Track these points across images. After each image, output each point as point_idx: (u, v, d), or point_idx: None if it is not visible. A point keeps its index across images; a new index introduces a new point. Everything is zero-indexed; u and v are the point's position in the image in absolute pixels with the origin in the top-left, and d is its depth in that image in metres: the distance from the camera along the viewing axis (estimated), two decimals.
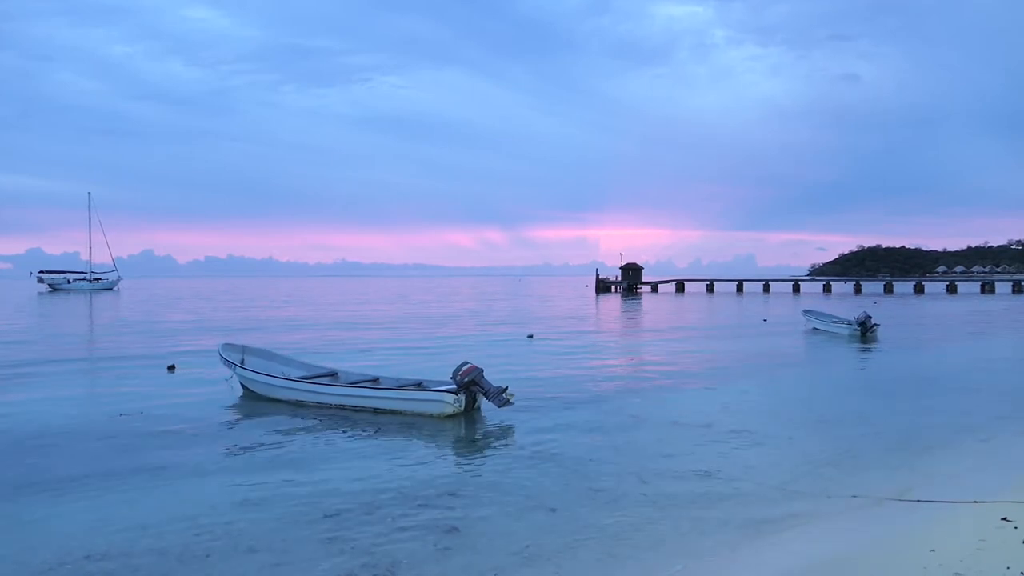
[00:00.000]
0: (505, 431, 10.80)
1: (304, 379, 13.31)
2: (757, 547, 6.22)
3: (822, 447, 9.93)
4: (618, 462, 9.06)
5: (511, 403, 11.54)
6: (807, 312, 33.20)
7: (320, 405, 12.42)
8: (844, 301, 60.76)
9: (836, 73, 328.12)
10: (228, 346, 14.77)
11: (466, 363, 11.77)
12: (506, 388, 11.62)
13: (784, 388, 15.73)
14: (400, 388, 12.42)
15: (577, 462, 8.98)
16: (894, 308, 51.65)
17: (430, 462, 9.22)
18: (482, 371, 11.65)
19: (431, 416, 11.51)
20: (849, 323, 28.14)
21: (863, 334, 26.35)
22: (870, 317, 27.16)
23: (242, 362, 14.05)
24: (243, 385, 13.80)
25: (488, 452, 9.76)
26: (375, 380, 13.30)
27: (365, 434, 10.63)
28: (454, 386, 11.64)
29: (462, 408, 11.55)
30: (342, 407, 12.21)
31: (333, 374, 13.97)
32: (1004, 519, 6.23)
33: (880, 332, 26.95)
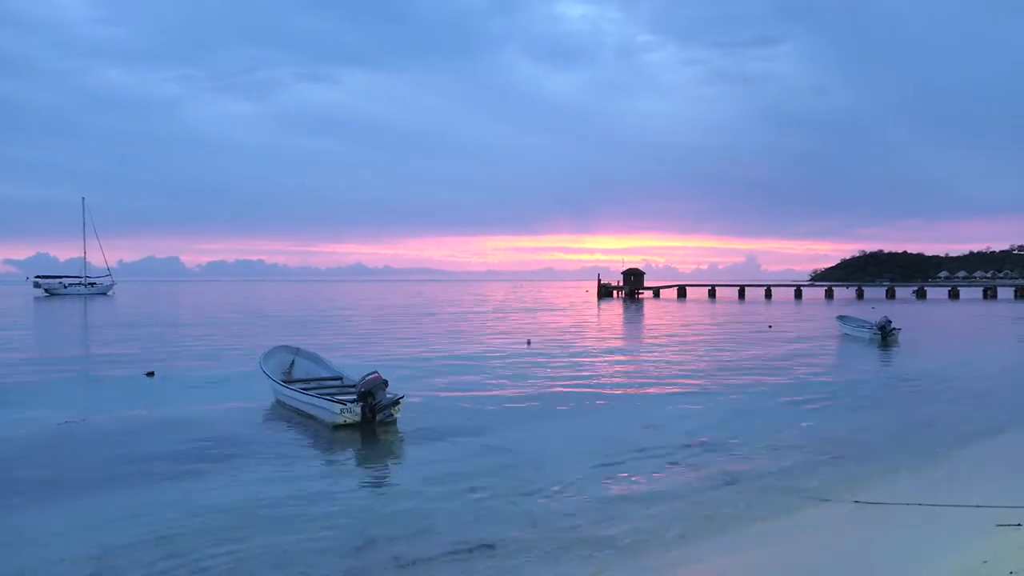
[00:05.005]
0: (501, 444, 10.47)
1: (284, 383, 13.24)
2: (760, 548, 6.18)
3: (825, 450, 9.89)
4: (632, 465, 9.07)
5: (395, 418, 11.14)
6: (841, 318, 33.34)
7: (287, 407, 12.60)
8: (847, 306, 60.74)
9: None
10: (283, 348, 14.99)
11: (373, 372, 11.37)
12: (399, 400, 11.16)
13: (786, 390, 15.63)
14: (313, 389, 12.55)
15: (591, 467, 8.89)
16: (899, 314, 51.48)
17: (336, 476, 8.97)
18: (386, 383, 11.16)
19: (325, 423, 11.13)
20: (870, 327, 28.18)
21: (883, 338, 26.50)
22: (890, 322, 27.39)
23: (292, 364, 14.35)
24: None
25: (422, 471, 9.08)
26: (339, 378, 13.49)
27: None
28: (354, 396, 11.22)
29: (358, 419, 10.95)
30: (295, 409, 12.30)
31: (339, 378, 13.73)
32: (1007, 524, 6.10)
33: (900, 336, 27.01)
